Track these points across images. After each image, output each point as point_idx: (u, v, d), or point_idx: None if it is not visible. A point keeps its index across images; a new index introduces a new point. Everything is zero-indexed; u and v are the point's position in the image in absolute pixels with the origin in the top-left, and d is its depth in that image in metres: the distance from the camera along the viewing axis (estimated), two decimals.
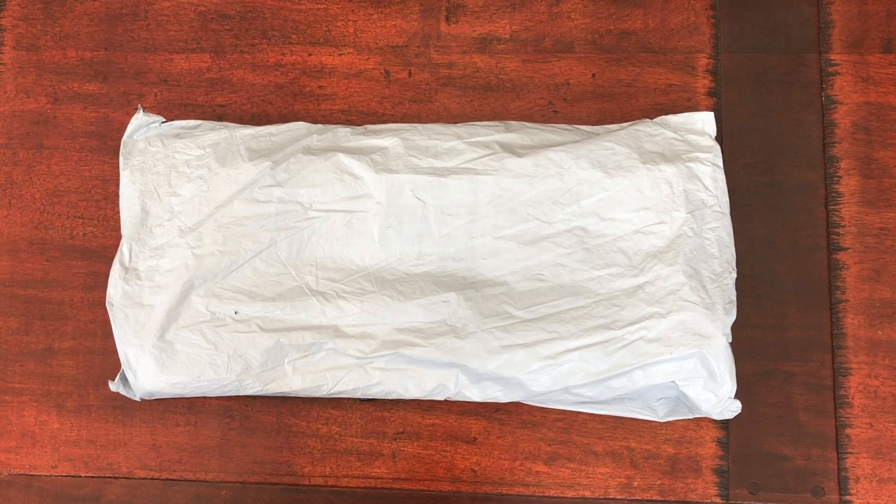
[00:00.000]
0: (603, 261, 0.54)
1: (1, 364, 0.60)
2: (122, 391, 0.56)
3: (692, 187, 0.55)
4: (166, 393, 0.55)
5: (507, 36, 0.62)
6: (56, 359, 0.60)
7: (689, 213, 0.54)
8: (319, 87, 0.62)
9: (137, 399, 0.56)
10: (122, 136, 0.63)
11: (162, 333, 0.55)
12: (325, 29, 0.64)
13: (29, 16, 0.66)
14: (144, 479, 0.58)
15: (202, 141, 0.58)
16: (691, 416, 0.55)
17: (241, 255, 0.55)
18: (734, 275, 0.54)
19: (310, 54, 0.63)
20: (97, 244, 0.61)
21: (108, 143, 0.63)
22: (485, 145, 0.56)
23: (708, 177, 0.55)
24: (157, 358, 0.54)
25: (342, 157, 0.56)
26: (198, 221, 0.56)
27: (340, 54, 0.63)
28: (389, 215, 0.55)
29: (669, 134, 0.57)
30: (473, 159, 0.56)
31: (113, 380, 0.58)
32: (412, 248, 0.55)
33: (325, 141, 0.58)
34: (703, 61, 0.61)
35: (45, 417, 0.59)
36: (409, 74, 0.62)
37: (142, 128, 0.59)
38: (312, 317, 0.54)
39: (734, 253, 0.55)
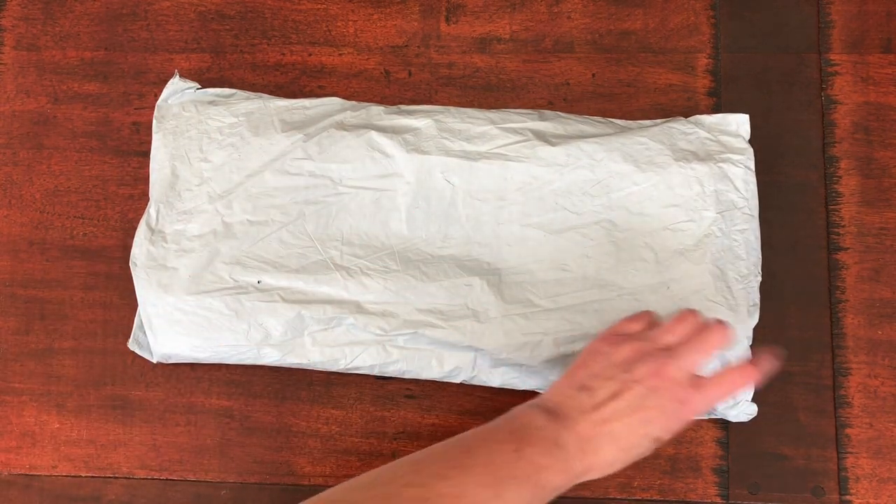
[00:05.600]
0: (629, 255, 0.54)
1: (1, 364, 0.60)
2: (138, 351, 0.57)
3: (723, 188, 0.55)
4: (183, 356, 0.55)
5: (507, 36, 0.62)
6: (56, 359, 0.60)
7: (719, 213, 0.54)
8: (319, 86, 0.62)
9: (154, 361, 0.56)
10: (122, 136, 0.63)
11: (184, 297, 0.55)
12: (325, 29, 0.64)
13: (29, 16, 0.66)
14: (144, 479, 0.57)
15: (236, 109, 0.58)
16: (706, 417, 0.55)
17: (269, 225, 0.56)
18: (759, 278, 0.54)
19: (310, 54, 0.63)
20: (97, 244, 0.61)
21: (108, 143, 0.63)
22: (517, 132, 0.56)
23: (739, 178, 0.55)
24: (178, 321, 0.55)
25: (374, 135, 0.56)
26: (227, 189, 0.57)
27: (340, 54, 0.63)
28: (418, 196, 0.56)
29: (703, 133, 0.56)
30: (505, 145, 0.56)
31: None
32: (438, 230, 0.55)
33: (358, 118, 0.58)
34: (703, 61, 0.61)
35: (45, 417, 0.59)
36: (409, 74, 0.62)
37: (177, 93, 0.60)
38: (335, 291, 0.54)
39: (760, 256, 0.55)
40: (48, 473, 0.58)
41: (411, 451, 0.56)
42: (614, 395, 0.45)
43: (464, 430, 0.56)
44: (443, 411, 0.57)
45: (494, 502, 0.41)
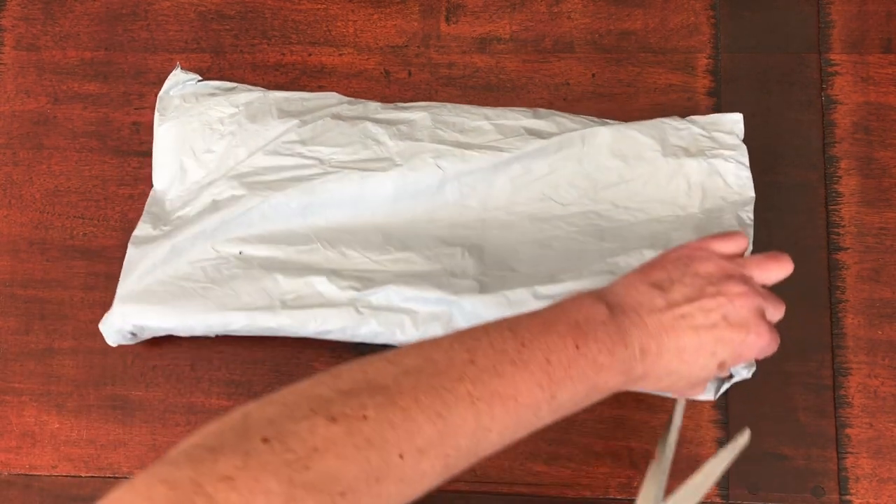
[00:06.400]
0: (614, 237, 0.54)
1: (1, 364, 0.60)
2: (102, 329, 0.55)
3: (711, 184, 0.55)
4: (151, 329, 0.55)
5: (507, 36, 0.62)
6: (56, 359, 0.60)
7: (706, 209, 0.54)
8: (319, 87, 0.62)
9: (119, 336, 0.55)
10: (122, 136, 0.63)
11: (163, 269, 0.55)
12: (325, 29, 0.64)
13: (29, 16, 0.66)
14: None
15: (236, 100, 0.59)
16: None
17: (252, 199, 0.56)
18: None
19: (310, 54, 0.63)
20: (97, 244, 0.61)
21: (108, 143, 0.63)
22: (511, 129, 0.57)
23: (731, 173, 0.55)
24: (153, 292, 0.54)
25: (369, 125, 0.57)
26: (223, 172, 0.57)
27: (340, 54, 0.63)
28: (407, 178, 0.56)
29: (696, 130, 0.56)
30: (498, 140, 0.56)
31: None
32: (425, 211, 0.56)
33: (355, 111, 0.58)
34: (703, 61, 0.61)
35: (45, 417, 0.59)
36: (409, 74, 0.62)
37: (178, 84, 0.60)
38: (313, 259, 0.54)
39: (751, 249, 0.55)
40: (48, 473, 0.58)
41: None
42: (691, 300, 0.42)
43: None
44: None
45: (548, 404, 0.38)
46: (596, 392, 0.40)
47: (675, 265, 0.44)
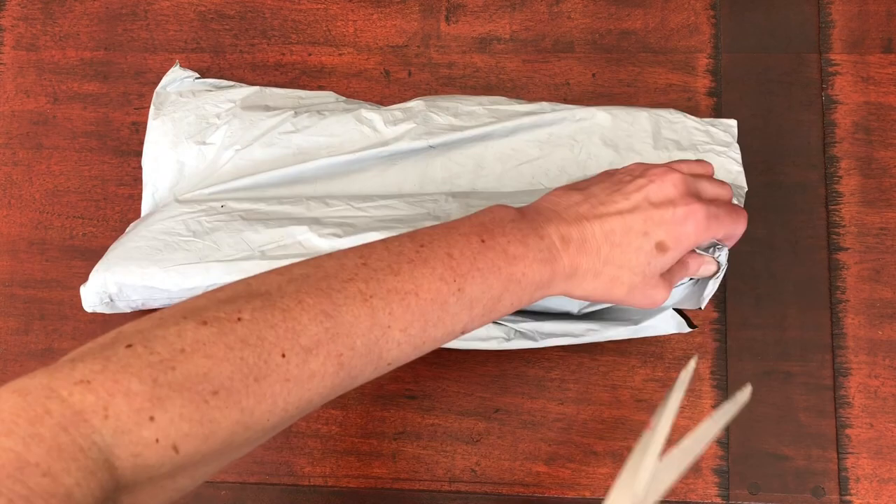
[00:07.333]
0: None
1: (1, 364, 0.60)
2: (83, 293, 0.54)
3: None
4: (130, 284, 0.53)
5: (507, 36, 0.62)
6: (56, 359, 0.59)
7: None
8: (319, 86, 0.62)
9: (97, 300, 0.54)
10: (121, 136, 0.63)
11: (144, 227, 0.55)
12: (325, 29, 0.64)
13: (29, 16, 0.66)
14: None
15: (233, 95, 0.59)
16: (689, 281, 0.49)
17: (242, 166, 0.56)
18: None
19: (310, 54, 0.63)
20: (97, 244, 0.61)
21: (108, 143, 0.63)
22: (506, 113, 0.57)
23: (722, 168, 0.55)
24: (137, 247, 0.54)
25: (364, 112, 0.57)
26: (220, 166, 0.57)
27: (340, 54, 0.63)
28: (396, 154, 0.56)
29: (691, 123, 0.56)
30: (492, 122, 0.56)
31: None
32: (412, 188, 0.56)
33: (351, 109, 0.59)
34: (703, 61, 0.61)
35: None
36: (409, 74, 0.62)
37: (176, 81, 0.60)
38: (296, 210, 0.54)
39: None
40: None
41: (411, 451, 0.56)
42: (611, 191, 0.40)
43: (463, 430, 0.56)
44: (443, 411, 0.57)
45: (456, 297, 0.36)
46: (518, 286, 0.38)
47: (606, 174, 0.43)
